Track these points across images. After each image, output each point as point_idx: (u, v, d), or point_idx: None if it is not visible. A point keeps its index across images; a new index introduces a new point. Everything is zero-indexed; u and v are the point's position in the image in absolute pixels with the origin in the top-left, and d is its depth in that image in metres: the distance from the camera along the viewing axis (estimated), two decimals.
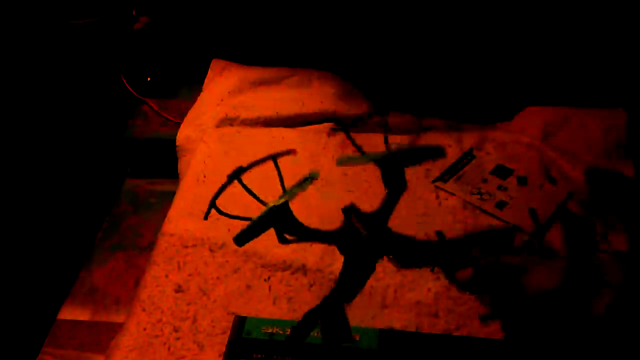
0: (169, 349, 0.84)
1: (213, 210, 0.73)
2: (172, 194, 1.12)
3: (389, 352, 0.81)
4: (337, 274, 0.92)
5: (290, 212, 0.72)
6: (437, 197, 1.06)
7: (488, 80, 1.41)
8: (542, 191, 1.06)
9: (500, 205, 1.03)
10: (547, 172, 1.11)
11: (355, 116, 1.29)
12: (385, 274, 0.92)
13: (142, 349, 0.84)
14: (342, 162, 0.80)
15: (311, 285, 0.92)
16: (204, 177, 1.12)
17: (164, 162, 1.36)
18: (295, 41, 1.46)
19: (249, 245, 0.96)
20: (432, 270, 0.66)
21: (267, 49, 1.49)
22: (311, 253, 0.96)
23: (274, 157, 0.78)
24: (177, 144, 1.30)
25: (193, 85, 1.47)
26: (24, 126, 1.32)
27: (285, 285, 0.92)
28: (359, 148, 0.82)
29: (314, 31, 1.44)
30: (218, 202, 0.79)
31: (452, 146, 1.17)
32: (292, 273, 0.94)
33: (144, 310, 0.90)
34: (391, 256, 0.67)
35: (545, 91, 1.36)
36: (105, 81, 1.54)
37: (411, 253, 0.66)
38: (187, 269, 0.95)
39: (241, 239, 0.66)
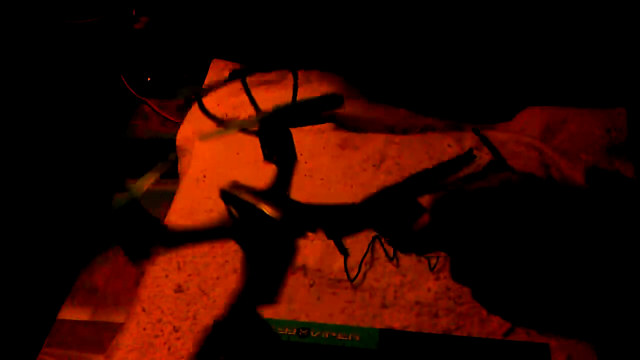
0: (169, 349, 0.84)
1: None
2: (172, 194, 1.12)
3: (389, 352, 0.81)
4: (337, 274, 0.92)
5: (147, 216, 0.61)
6: None
7: (488, 80, 1.41)
8: None
9: (471, 158, 1.02)
10: (547, 172, 1.11)
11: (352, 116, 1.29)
12: (385, 274, 0.93)
13: (142, 349, 0.84)
14: (204, 137, 0.70)
15: (311, 285, 0.92)
16: (204, 177, 1.12)
17: (164, 162, 1.36)
18: (295, 41, 1.46)
19: None
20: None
21: (267, 49, 1.49)
22: (311, 253, 0.96)
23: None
24: (177, 144, 1.30)
25: (193, 85, 1.47)
26: (24, 126, 1.32)
27: (285, 285, 0.92)
28: (214, 118, 0.70)
29: (313, 31, 1.44)
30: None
31: (452, 146, 1.17)
32: (292, 273, 0.94)
33: (144, 310, 0.90)
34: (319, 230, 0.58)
35: (545, 91, 1.36)
36: (105, 81, 1.54)
37: (338, 220, 0.56)
38: (187, 269, 0.95)
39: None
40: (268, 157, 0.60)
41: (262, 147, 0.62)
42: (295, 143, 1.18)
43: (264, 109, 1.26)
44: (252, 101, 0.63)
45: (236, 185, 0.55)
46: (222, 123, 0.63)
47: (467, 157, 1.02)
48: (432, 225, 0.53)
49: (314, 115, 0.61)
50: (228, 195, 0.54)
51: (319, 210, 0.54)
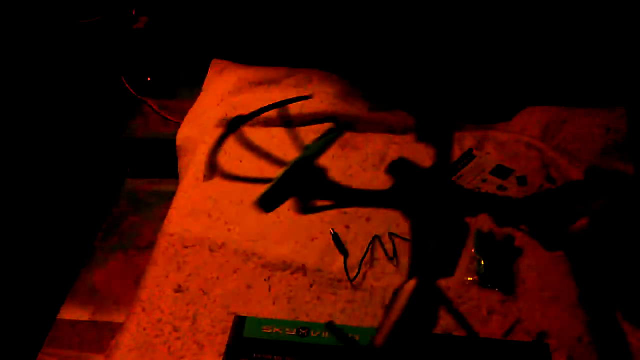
0: (169, 349, 0.84)
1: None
2: (172, 194, 1.12)
3: (389, 352, 0.81)
4: (337, 274, 0.92)
5: (320, 170, 0.62)
6: None
7: (488, 80, 1.41)
8: (542, 191, 1.06)
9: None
10: (547, 172, 1.11)
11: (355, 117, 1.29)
12: (385, 274, 0.93)
13: (142, 349, 0.84)
14: (261, 201, 0.69)
15: (311, 285, 0.92)
16: (204, 176, 1.12)
17: (164, 162, 1.36)
18: (295, 41, 1.46)
19: (249, 245, 0.98)
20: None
21: (267, 49, 1.49)
22: (311, 253, 0.96)
23: (284, 102, 0.69)
24: (177, 144, 1.30)
25: (193, 85, 1.47)
26: (24, 126, 1.32)
27: (285, 285, 0.92)
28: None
29: (314, 31, 1.44)
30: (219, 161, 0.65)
31: (452, 146, 1.17)
32: (292, 273, 0.94)
33: (144, 310, 0.90)
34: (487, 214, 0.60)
35: (545, 91, 1.36)
36: (105, 81, 1.54)
37: (504, 209, 0.60)
38: (187, 269, 0.95)
39: (268, 203, 0.56)
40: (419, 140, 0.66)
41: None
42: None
43: (270, 114, 1.27)
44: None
45: (403, 161, 0.60)
46: (260, 180, 0.67)
47: (467, 157, 1.02)
48: (591, 229, 0.57)
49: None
50: (395, 168, 0.58)
51: (486, 197, 0.58)
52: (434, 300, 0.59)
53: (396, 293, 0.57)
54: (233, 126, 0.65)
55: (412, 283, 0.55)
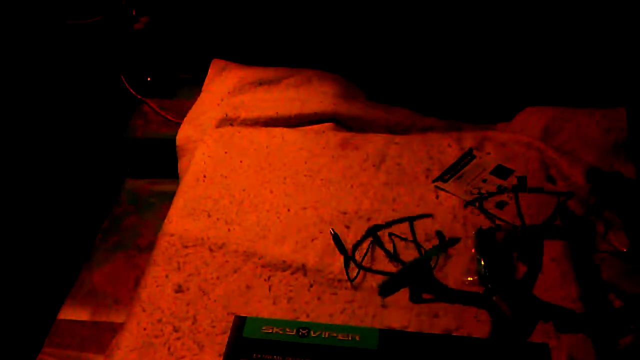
0: (169, 349, 0.84)
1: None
2: (172, 194, 1.12)
3: (389, 352, 0.81)
4: (337, 274, 0.92)
5: (430, 271, 0.76)
6: (437, 197, 1.06)
7: (488, 80, 1.41)
8: (542, 191, 1.06)
9: (500, 205, 1.03)
10: (547, 172, 1.11)
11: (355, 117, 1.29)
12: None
13: (142, 349, 0.84)
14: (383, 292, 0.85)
15: (311, 285, 0.92)
16: (204, 177, 1.12)
17: (164, 162, 1.36)
18: (295, 41, 1.46)
19: (249, 245, 0.98)
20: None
21: (267, 49, 1.49)
22: (311, 253, 0.96)
23: (410, 219, 0.89)
24: (177, 144, 1.30)
25: (193, 85, 1.47)
26: (24, 126, 1.32)
27: (285, 285, 0.92)
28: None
29: (314, 31, 1.45)
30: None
31: (452, 146, 1.17)
32: (292, 273, 0.94)
33: (144, 310, 0.89)
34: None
35: (545, 91, 1.36)
36: (105, 81, 1.54)
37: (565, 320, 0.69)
38: (187, 269, 0.95)
39: (386, 291, 0.73)
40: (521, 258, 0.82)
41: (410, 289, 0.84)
42: (295, 143, 1.19)
43: (270, 114, 1.27)
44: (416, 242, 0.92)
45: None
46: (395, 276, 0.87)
47: (467, 157, 1.07)
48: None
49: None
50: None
51: (552, 309, 0.68)
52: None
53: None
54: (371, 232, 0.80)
55: None
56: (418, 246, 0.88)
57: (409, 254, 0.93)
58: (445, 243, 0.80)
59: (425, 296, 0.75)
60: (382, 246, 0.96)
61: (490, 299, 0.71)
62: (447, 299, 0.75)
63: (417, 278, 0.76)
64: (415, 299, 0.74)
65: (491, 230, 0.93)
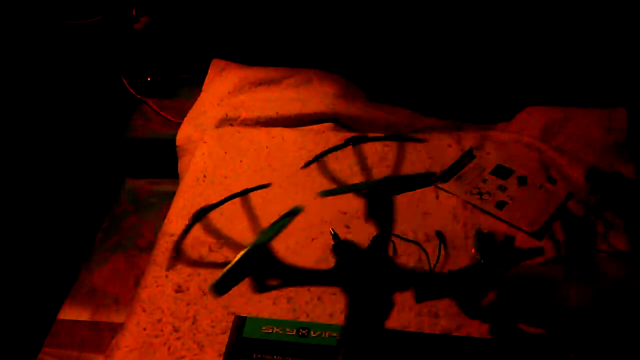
0: (169, 349, 0.84)
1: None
2: (172, 194, 1.12)
3: (389, 352, 0.81)
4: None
5: (271, 253, 0.67)
6: (437, 197, 1.06)
7: (488, 80, 1.41)
8: (542, 191, 1.06)
9: (500, 205, 1.03)
10: (547, 172, 1.11)
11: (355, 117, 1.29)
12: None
13: (142, 349, 0.84)
14: (325, 194, 0.77)
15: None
16: (204, 177, 1.12)
17: (164, 162, 1.36)
18: (295, 41, 1.47)
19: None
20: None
21: (267, 49, 1.49)
22: (311, 253, 0.96)
23: (245, 192, 0.74)
24: (177, 144, 1.30)
25: (193, 85, 1.47)
26: (24, 126, 1.32)
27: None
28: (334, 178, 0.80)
29: (314, 31, 1.45)
30: (183, 244, 0.72)
31: (452, 146, 1.17)
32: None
33: (144, 310, 0.89)
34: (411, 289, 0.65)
35: (545, 91, 1.36)
36: (105, 81, 1.54)
37: (425, 286, 0.65)
38: (187, 269, 0.95)
39: (221, 288, 0.60)
40: (368, 217, 0.71)
41: (367, 208, 0.71)
42: (296, 143, 1.19)
43: (270, 114, 1.27)
44: (363, 168, 0.75)
45: (344, 243, 0.65)
46: (340, 184, 0.73)
47: (467, 157, 1.05)
48: (498, 302, 0.59)
49: (410, 187, 0.74)
50: (338, 249, 0.64)
51: (411, 274, 0.63)
52: None
53: None
54: (199, 216, 0.68)
55: None
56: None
57: (408, 255, 0.93)
58: (284, 216, 0.74)
59: (272, 282, 0.68)
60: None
61: (341, 275, 0.67)
62: (295, 282, 0.69)
63: (256, 266, 0.68)
64: (259, 288, 0.67)
65: (491, 232, 0.92)
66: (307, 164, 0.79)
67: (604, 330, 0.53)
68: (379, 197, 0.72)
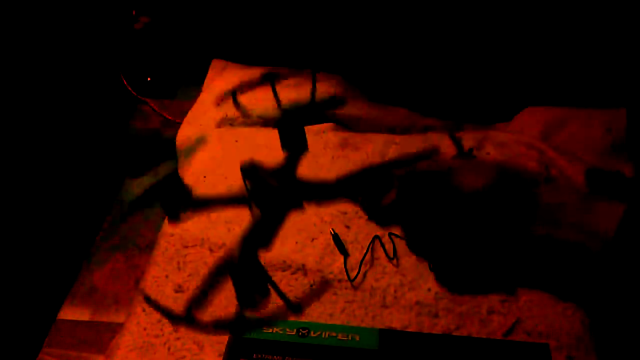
0: (169, 349, 0.84)
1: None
2: None
3: (389, 352, 0.81)
4: (337, 274, 0.92)
5: (180, 184, 0.70)
6: None
7: (488, 80, 1.41)
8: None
9: (436, 152, 1.03)
10: (547, 172, 1.11)
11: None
12: (385, 274, 0.93)
13: (142, 349, 0.84)
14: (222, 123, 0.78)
15: (311, 285, 0.92)
16: (204, 177, 1.12)
17: (164, 162, 1.36)
18: (295, 41, 1.47)
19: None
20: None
21: (267, 49, 1.49)
22: (311, 253, 0.96)
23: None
24: (177, 144, 1.30)
25: (193, 85, 1.47)
26: (24, 126, 1.32)
27: (285, 285, 0.92)
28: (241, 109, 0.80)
29: (313, 31, 1.45)
30: None
31: (452, 146, 1.17)
32: (292, 273, 0.94)
33: (144, 310, 0.90)
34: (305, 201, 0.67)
35: (545, 91, 1.36)
36: (105, 81, 1.54)
37: (326, 194, 0.66)
38: (187, 269, 0.95)
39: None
40: (284, 146, 0.72)
41: (280, 137, 0.72)
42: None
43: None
44: (276, 98, 0.74)
45: (254, 164, 0.66)
46: (246, 114, 0.74)
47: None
48: (397, 200, 0.60)
49: (321, 113, 0.74)
50: (246, 171, 0.66)
51: (310, 185, 0.64)
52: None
53: None
54: None
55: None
56: None
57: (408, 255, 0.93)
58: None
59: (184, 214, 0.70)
60: (382, 246, 0.96)
61: (255, 191, 0.68)
62: (206, 205, 0.71)
63: (167, 195, 0.70)
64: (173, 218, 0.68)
65: None
66: (222, 101, 0.81)
67: (494, 214, 0.54)
68: (289, 127, 0.75)
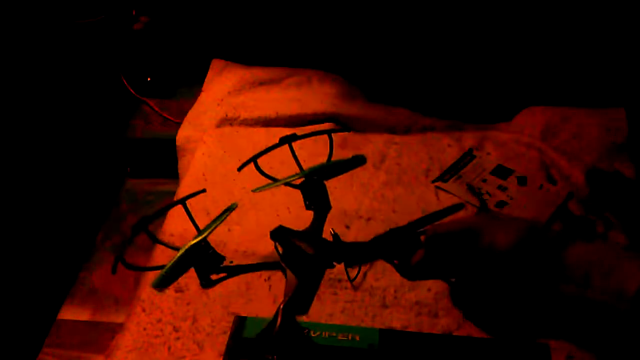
0: (169, 349, 0.84)
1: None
2: (172, 194, 1.12)
3: (389, 352, 0.81)
4: (337, 274, 0.92)
5: (210, 249, 0.70)
6: (437, 197, 1.06)
7: (488, 80, 1.41)
8: (542, 191, 1.06)
9: (500, 205, 1.03)
10: (547, 172, 1.11)
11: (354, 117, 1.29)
12: (385, 274, 0.92)
13: (142, 349, 0.84)
14: (257, 190, 0.80)
15: None
16: (204, 177, 1.12)
17: (164, 162, 1.36)
18: (295, 41, 1.47)
19: (249, 245, 0.97)
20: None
21: (267, 49, 1.49)
22: None
23: (183, 201, 0.76)
24: (177, 144, 1.30)
25: (193, 85, 1.47)
26: (24, 126, 1.32)
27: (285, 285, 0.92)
28: (267, 176, 0.82)
29: (314, 31, 1.45)
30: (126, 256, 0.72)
31: (452, 146, 1.17)
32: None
33: (144, 310, 0.89)
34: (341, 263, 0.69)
35: (545, 91, 1.36)
36: (105, 81, 1.54)
37: (357, 253, 0.67)
38: None
39: (163, 285, 0.63)
40: (308, 206, 0.73)
41: (304, 198, 0.73)
42: (296, 143, 1.18)
43: (270, 113, 1.27)
44: (298, 163, 0.76)
45: (282, 228, 0.69)
46: (272, 179, 0.75)
47: (467, 157, 1.07)
48: (426, 259, 0.61)
49: (342, 171, 0.77)
50: (276, 235, 0.67)
51: (343, 247, 0.65)
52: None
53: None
54: (138, 228, 0.69)
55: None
56: (195, 225, 0.79)
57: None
58: (222, 213, 0.76)
59: (216, 277, 0.71)
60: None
61: (288, 257, 0.68)
62: (239, 271, 0.71)
63: (198, 262, 0.70)
64: (204, 283, 0.70)
65: None
66: (242, 166, 0.81)
67: (525, 272, 0.55)
68: (312, 184, 0.76)
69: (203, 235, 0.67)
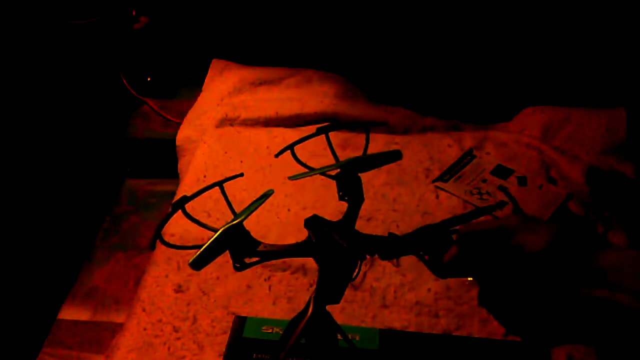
0: (169, 349, 0.84)
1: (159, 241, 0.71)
2: (172, 194, 1.12)
3: (389, 352, 0.81)
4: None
5: (246, 233, 0.71)
6: (437, 197, 1.06)
7: (488, 80, 1.41)
8: (542, 191, 1.06)
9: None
10: (547, 172, 1.11)
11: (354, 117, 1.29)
12: (385, 274, 0.93)
13: (142, 349, 0.84)
14: (293, 177, 0.81)
15: (311, 285, 0.92)
16: (204, 177, 1.12)
17: (164, 162, 1.36)
18: (295, 41, 1.47)
19: None
20: (421, 259, 0.67)
21: (267, 49, 1.49)
22: None
23: (220, 184, 0.77)
24: (177, 144, 1.30)
25: (193, 85, 1.47)
26: (24, 126, 1.32)
27: (285, 285, 0.92)
28: (304, 164, 0.83)
29: (314, 31, 1.45)
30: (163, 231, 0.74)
31: (452, 146, 1.17)
32: (292, 273, 0.94)
33: (144, 310, 0.90)
34: (375, 255, 0.69)
35: (545, 91, 1.36)
36: (105, 81, 1.54)
37: (388, 248, 0.68)
38: (187, 269, 0.95)
39: (198, 265, 0.65)
40: (342, 197, 0.74)
41: (338, 189, 0.77)
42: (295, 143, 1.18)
43: (270, 113, 1.27)
44: (334, 153, 0.75)
45: (316, 217, 0.70)
46: (309, 168, 0.75)
47: (467, 157, 1.07)
48: (459, 256, 0.61)
49: (378, 165, 0.77)
50: (310, 223, 0.69)
51: (375, 240, 0.67)
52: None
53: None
54: (178, 205, 0.70)
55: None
56: (231, 208, 0.81)
57: None
58: (259, 198, 0.77)
59: (249, 260, 0.72)
60: None
61: (321, 245, 0.69)
62: (273, 256, 0.72)
63: (234, 244, 0.71)
64: (239, 266, 0.70)
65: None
66: (280, 153, 0.82)
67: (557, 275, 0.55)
68: (348, 176, 0.77)
69: (240, 219, 0.68)
